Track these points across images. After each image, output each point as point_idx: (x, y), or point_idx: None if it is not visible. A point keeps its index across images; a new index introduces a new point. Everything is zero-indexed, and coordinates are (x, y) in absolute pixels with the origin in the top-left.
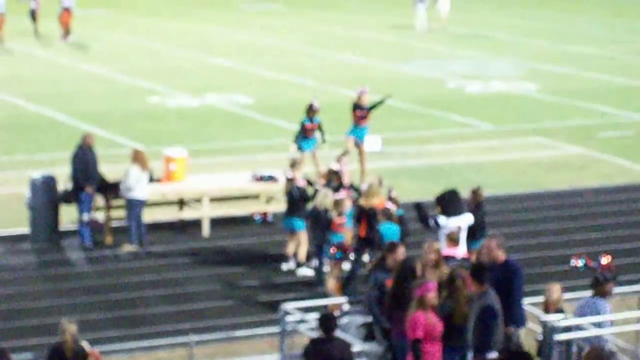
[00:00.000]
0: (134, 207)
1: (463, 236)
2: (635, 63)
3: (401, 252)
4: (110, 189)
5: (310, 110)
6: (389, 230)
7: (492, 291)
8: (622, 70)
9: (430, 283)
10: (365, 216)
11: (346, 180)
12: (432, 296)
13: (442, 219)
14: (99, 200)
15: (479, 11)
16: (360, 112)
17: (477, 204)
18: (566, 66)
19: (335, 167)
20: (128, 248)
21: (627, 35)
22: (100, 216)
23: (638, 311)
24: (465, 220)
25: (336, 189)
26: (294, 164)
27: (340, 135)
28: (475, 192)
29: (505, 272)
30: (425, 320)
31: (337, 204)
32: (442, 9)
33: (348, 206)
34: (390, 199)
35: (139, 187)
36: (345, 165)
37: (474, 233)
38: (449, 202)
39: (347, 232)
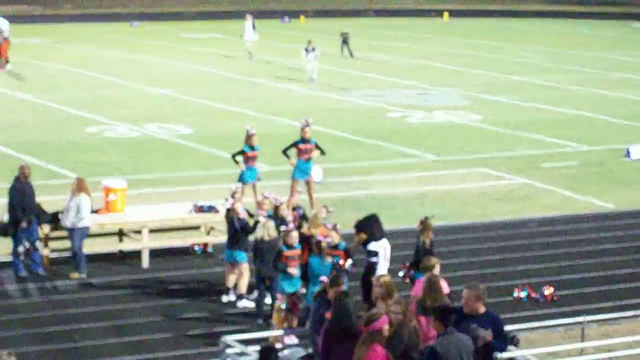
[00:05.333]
0: (84, 235)
1: (384, 263)
2: (579, 93)
3: (343, 287)
4: (50, 220)
5: (248, 138)
6: (318, 263)
7: (451, 336)
8: (566, 101)
9: (385, 316)
10: (308, 245)
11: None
12: (386, 329)
13: (372, 245)
14: (39, 231)
15: (422, 40)
16: (303, 145)
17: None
18: (510, 96)
19: (273, 199)
20: (77, 276)
21: (570, 65)
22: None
23: (582, 343)
24: (386, 245)
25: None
26: (233, 195)
27: (280, 166)
28: (424, 222)
29: (484, 325)
30: (384, 355)
31: (284, 236)
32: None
33: (295, 238)
34: (333, 230)
35: (87, 215)
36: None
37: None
38: (369, 226)
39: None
